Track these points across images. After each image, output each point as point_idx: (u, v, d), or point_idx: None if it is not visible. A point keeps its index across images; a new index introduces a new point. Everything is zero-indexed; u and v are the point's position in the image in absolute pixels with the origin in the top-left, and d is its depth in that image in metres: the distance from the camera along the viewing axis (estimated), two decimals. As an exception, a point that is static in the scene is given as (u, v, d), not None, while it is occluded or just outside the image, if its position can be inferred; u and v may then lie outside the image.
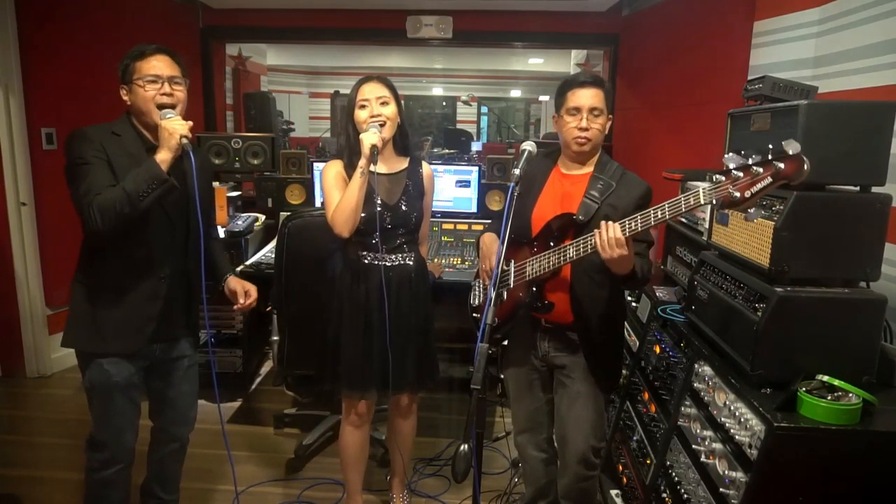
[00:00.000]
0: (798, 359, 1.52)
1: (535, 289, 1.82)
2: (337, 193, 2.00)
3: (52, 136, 3.44)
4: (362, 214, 1.98)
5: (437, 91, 11.02)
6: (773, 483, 1.40)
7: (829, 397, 1.42)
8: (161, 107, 1.74)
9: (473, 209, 3.52)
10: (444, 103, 11.12)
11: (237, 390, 3.39)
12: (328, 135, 5.92)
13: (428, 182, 2.18)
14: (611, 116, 1.84)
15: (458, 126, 9.88)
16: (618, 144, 4.11)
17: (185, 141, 1.70)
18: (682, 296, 2.21)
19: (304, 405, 3.08)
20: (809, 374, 1.49)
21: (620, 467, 2.29)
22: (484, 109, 10.50)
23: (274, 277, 2.50)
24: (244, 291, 1.95)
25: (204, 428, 2.29)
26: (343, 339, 2.09)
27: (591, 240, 1.62)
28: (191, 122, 1.74)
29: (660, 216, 1.50)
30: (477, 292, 2.03)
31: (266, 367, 3.75)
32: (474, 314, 2.01)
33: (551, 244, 1.77)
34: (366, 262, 2.07)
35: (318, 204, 3.50)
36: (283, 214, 3.18)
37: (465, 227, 3.46)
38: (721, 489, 1.51)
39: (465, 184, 3.52)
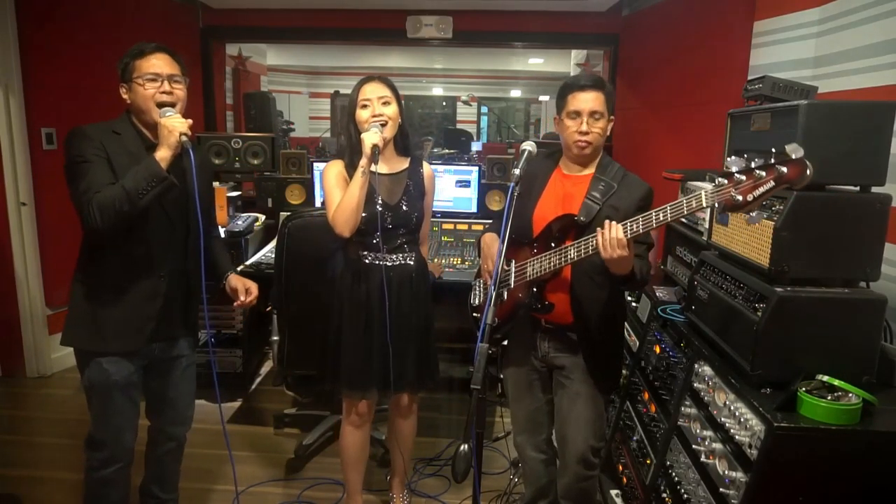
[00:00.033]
0: (798, 359, 1.52)
1: (535, 289, 1.82)
2: (338, 193, 2.00)
3: (52, 136, 3.44)
4: (363, 214, 1.98)
5: (437, 91, 11.02)
6: (773, 483, 1.40)
7: (829, 397, 1.43)
8: (161, 105, 1.74)
9: (473, 209, 3.52)
10: (444, 103, 11.12)
11: (237, 390, 3.39)
12: (328, 135, 5.92)
13: (429, 182, 2.19)
14: (612, 118, 1.84)
15: (458, 126, 9.89)
16: (618, 145, 4.11)
17: (184, 139, 1.70)
18: (682, 296, 2.21)
19: (304, 405, 3.08)
20: (809, 374, 1.49)
21: (620, 467, 2.29)
22: (484, 109, 10.50)
23: (274, 277, 2.49)
24: (245, 289, 1.95)
25: (204, 428, 2.30)
26: (343, 338, 2.09)
27: (592, 241, 1.62)
28: (190, 121, 1.74)
29: (661, 218, 1.50)
30: (477, 292, 2.03)
31: (266, 367, 3.75)
32: (474, 314, 2.01)
33: (552, 245, 1.77)
34: (366, 261, 2.07)
35: (318, 204, 3.50)
36: (283, 214, 3.18)
37: (465, 227, 3.46)
38: (721, 489, 1.51)
39: (465, 184, 3.52)
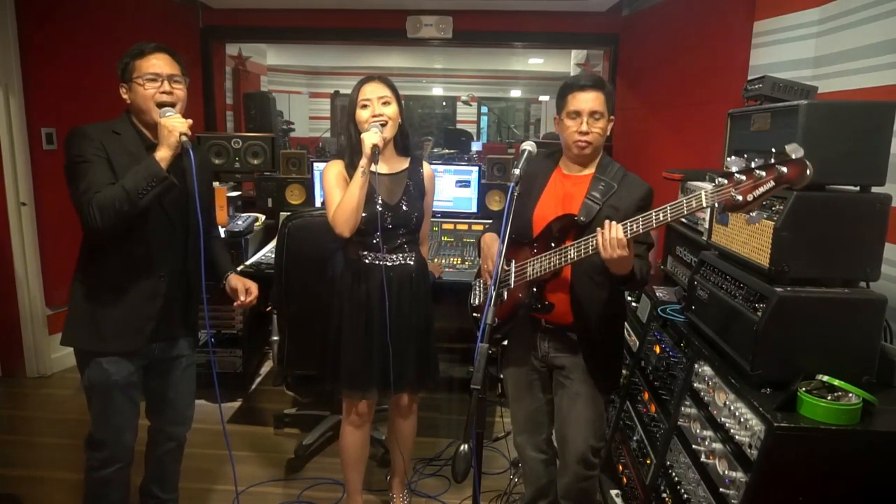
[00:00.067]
0: (798, 359, 1.52)
1: (535, 289, 1.82)
2: (338, 193, 2.01)
3: (52, 136, 3.44)
4: (363, 214, 1.98)
5: (437, 91, 11.02)
6: (773, 483, 1.40)
7: (829, 397, 1.43)
8: (161, 105, 1.74)
9: (473, 209, 3.52)
10: (444, 103, 11.12)
11: (237, 390, 3.39)
12: (328, 135, 5.92)
13: (429, 182, 2.19)
14: (612, 118, 1.84)
15: (458, 126, 9.89)
16: (618, 144, 4.11)
17: (184, 138, 1.70)
18: (682, 296, 2.22)
19: (304, 405, 3.08)
20: (809, 374, 1.49)
21: (620, 467, 2.29)
22: (484, 109, 10.50)
23: (274, 277, 2.49)
24: (245, 289, 1.95)
25: (204, 428, 2.30)
26: (343, 338, 2.09)
27: (592, 241, 1.62)
28: (190, 121, 1.74)
29: (661, 218, 1.50)
30: (477, 292, 2.03)
31: (266, 367, 3.75)
32: (474, 314, 2.01)
33: (552, 245, 1.78)
34: (367, 261, 2.07)
35: (318, 204, 3.50)
36: (283, 214, 3.18)
37: (465, 227, 3.46)
38: (721, 489, 1.51)
39: (465, 184, 3.52)
